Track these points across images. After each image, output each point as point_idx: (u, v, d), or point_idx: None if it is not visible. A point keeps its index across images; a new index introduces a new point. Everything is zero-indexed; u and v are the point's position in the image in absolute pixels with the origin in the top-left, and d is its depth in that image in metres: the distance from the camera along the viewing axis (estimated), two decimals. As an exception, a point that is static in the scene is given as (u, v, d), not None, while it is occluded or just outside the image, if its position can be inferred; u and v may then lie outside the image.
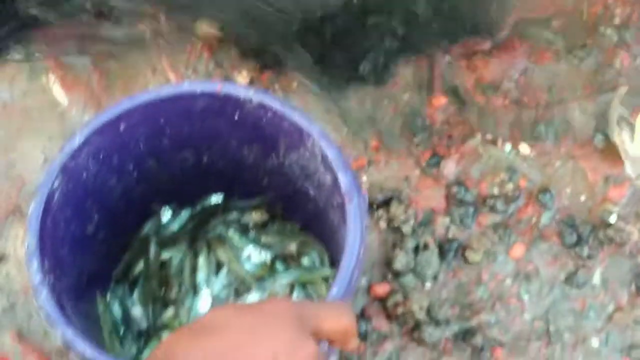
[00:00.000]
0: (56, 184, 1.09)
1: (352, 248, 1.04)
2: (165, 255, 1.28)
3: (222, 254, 1.28)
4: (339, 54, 1.54)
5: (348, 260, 1.04)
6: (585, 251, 1.41)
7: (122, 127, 1.15)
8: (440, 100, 1.55)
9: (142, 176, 1.25)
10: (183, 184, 1.30)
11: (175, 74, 1.56)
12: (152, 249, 1.28)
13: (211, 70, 1.56)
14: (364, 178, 1.48)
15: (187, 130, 1.22)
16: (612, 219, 1.43)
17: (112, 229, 1.25)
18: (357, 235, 1.05)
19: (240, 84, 1.51)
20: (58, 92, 1.55)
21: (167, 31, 1.58)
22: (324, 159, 1.12)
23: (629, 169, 1.47)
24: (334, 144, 1.11)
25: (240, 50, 1.55)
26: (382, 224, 1.44)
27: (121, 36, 1.59)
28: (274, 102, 1.14)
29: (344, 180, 1.08)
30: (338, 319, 0.81)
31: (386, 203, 1.46)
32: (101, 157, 1.16)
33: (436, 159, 1.50)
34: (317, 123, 1.13)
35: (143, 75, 1.57)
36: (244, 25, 1.52)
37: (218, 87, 1.15)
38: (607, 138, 1.50)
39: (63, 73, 1.56)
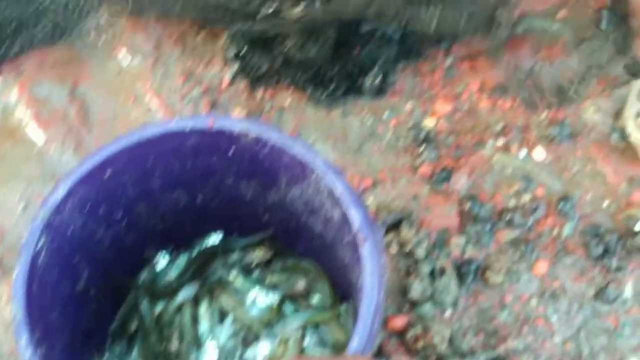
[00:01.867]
0: (40, 243, 1.04)
1: (371, 295, 0.99)
2: (160, 307, 1.23)
3: (226, 300, 1.23)
4: (335, 65, 1.48)
5: (367, 308, 0.99)
6: (614, 263, 1.36)
7: (107, 173, 1.10)
8: (445, 107, 1.50)
9: (132, 222, 1.20)
10: (177, 226, 1.25)
11: (159, 100, 1.50)
12: (144, 305, 1.22)
13: (197, 96, 1.50)
14: (370, 199, 1.43)
15: (178, 169, 1.16)
16: (639, 226, 1.38)
17: (104, 283, 1.19)
18: (375, 280, 1.00)
19: (235, 117, 1.45)
20: (33, 129, 1.49)
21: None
22: (331, 194, 1.07)
23: (652, 169, 1.42)
24: (342, 177, 1.06)
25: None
26: (393, 249, 1.39)
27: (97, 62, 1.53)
28: (272, 135, 1.09)
29: (355, 217, 1.03)
30: None
31: (396, 226, 1.41)
32: (87, 208, 1.11)
33: (445, 173, 1.45)
34: (320, 154, 1.08)
35: (123, 104, 1.50)
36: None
37: (210, 122, 1.10)
38: (626, 136, 1.45)
39: (37, 108, 1.50)
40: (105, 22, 1.54)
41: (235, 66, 1.51)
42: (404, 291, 1.35)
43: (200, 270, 1.26)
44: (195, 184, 1.19)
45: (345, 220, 1.05)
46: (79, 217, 1.10)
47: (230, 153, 1.13)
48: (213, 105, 1.50)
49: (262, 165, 1.13)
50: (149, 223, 1.21)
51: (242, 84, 1.52)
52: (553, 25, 1.54)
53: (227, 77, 1.52)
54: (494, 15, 1.52)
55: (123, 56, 1.54)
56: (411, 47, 1.53)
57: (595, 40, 1.51)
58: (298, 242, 1.26)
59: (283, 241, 1.28)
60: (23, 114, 1.51)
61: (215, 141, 1.11)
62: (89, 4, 1.53)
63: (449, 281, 1.35)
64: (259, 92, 1.52)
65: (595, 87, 1.50)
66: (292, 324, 1.21)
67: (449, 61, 1.53)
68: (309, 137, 1.49)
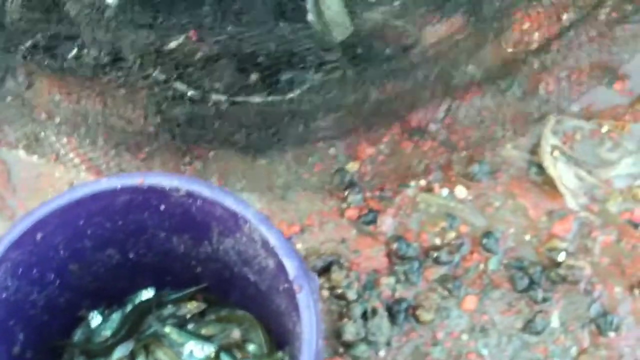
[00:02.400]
0: (-26, 311, 1.04)
1: (310, 343, 1.02)
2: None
3: (162, 355, 1.24)
4: (256, 116, 1.51)
5: (307, 356, 1.00)
6: (540, 294, 1.41)
7: (39, 236, 1.11)
8: (368, 150, 1.53)
9: (65, 283, 1.20)
10: (110, 283, 1.26)
11: (82, 157, 1.50)
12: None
13: (120, 151, 1.51)
14: (299, 244, 1.45)
15: (109, 228, 1.17)
16: (562, 257, 1.44)
17: (40, 344, 1.20)
18: (314, 327, 1.02)
19: (165, 173, 1.46)
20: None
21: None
22: (265, 244, 1.09)
23: (570, 201, 1.48)
24: (275, 228, 1.08)
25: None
26: (325, 293, 1.42)
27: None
28: (203, 189, 1.11)
29: (290, 266, 1.05)
30: None
31: (326, 269, 1.43)
32: (19, 272, 1.11)
33: (372, 215, 1.48)
34: (251, 206, 1.10)
35: (45, 163, 1.51)
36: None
37: (140, 179, 1.11)
38: (544, 170, 1.50)
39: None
40: (24, 83, 1.54)
41: (158, 119, 1.53)
42: (337, 334, 1.37)
43: (135, 326, 1.26)
44: (127, 240, 1.20)
45: (280, 269, 1.07)
46: (12, 282, 1.10)
47: (161, 208, 1.14)
48: (137, 159, 1.51)
49: (194, 219, 1.14)
50: (82, 282, 1.22)
51: (165, 137, 1.53)
52: (467, 66, 1.59)
53: (151, 130, 1.53)
54: (409, 59, 1.57)
55: (44, 116, 1.54)
56: (333, 95, 1.56)
57: (508, 80, 1.57)
58: (232, 291, 1.28)
59: (217, 291, 1.30)
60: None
61: (147, 198, 1.13)
62: (5, 67, 1.52)
63: (381, 321, 1.38)
64: (183, 145, 1.53)
65: (511, 124, 1.55)
66: (231, 374, 1.23)
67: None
68: (235, 186, 1.51)
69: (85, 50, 1.43)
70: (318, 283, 1.32)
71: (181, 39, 1.38)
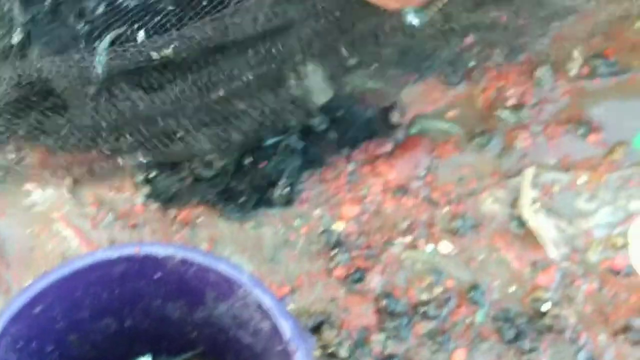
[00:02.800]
0: (-23, 385, 1.06)
1: (309, 401, 1.04)
2: None
3: (162, 420, 1.26)
4: (243, 179, 1.55)
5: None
6: (527, 344, 1.44)
7: (38, 309, 1.13)
8: (352, 210, 1.57)
9: (64, 353, 1.23)
10: (108, 351, 1.28)
11: (74, 229, 1.53)
12: None
13: (110, 222, 1.54)
14: (290, 305, 1.48)
15: (106, 297, 1.20)
16: (546, 307, 1.47)
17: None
18: (312, 386, 1.04)
19: (159, 242, 1.50)
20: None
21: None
22: (260, 307, 1.12)
23: (551, 252, 1.52)
24: (268, 290, 1.11)
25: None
26: (317, 352, 1.44)
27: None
28: (197, 256, 1.14)
29: (285, 328, 1.09)
30: None
31: (317, 329, 1.46)
32: (19, 345, 1.13)
33: (359, 274, 1.51)
34: (245, 270, 1.14)
35: (38, 236, 1.54)
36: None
37: (136, 249, 1.14)
38: (524, 223, 1.55)
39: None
40: (14, 159, 1.58)
41: (146, 190, 1.56)
42: (332, 392, 1.40)
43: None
44: (124, 309, 1.23)
45: (275, 331, 1.10)
46: (11, 355, 1.12)
47: (157, 276, 1.17)
48: (127, 229, 1.54)
49: (188, 285, 1.17)
50: (81, 351, 1.24)
51: (154, 206, 1.57)
52: (444, 125, 1.64)
53: (139, 200, 1.56)
54: (388, 120, 1.62)
55: (34, 189, 1.57)
56: (314, 157, 1.60)
57: (485, 136, 1.61)
58: (228, 354, 1.30)
59: (213, 355, 1.32)
60: None
61: (142, 267, 1.16)
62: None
63: (374, 378, 1.41)
64: (172, 212, 1.57)
65: (490, 179, 1.59)
66: None
67: (351, 167, 1.61)
68: (224, 251, 1.54)
69: (73, 126, 1.47)
70: (314, 342, 1.35)
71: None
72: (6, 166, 1.58)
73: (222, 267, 1.13)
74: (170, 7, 1.39)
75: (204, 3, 1.37)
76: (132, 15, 1.39)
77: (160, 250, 1.14)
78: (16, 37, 1.47)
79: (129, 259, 1.14)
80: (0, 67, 1.47)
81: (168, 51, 1.36)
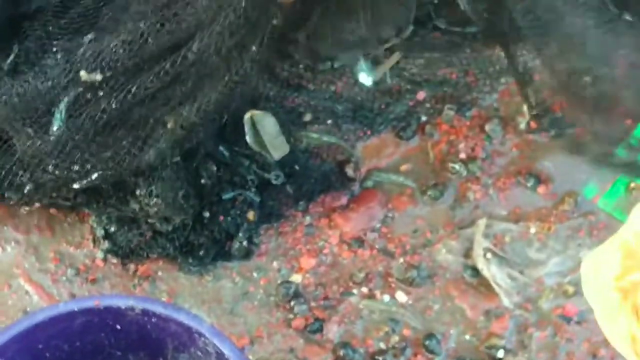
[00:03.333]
0: None
1: None
2: None
3: None
4: (201, 233, 1.57)
5: None
6: (483, 391, 1.47)
7: (-3, 363, 1.14)
8: (310, 262, 1.60)
9: (25, 407, 1.22)
10: (68, 404, 1.28)
11: (34, 284, 1.55)
12: None
13: (71, 276, 1.56)
14: (250, 357, 1.50)
15: (67, 350, 1.22)
16: (501, 354, 1.51)
17: None
18: None
19: (119, 294, 1.51)
20: None
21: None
22: (220, 355, 1.14)
23: (505, 301, 1.56)
24: (228, 340, 1.14)
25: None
26: (277, 402, 1.46)
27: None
28: (157, 307, 1.16)
29: (245, 376, 1.10)
30: None
31: (276, 379, 1.48)
32: (-22, 400, 1.13)
33: (318, 324, 1.54)
34: (205, 320, 1.15)
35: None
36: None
37: (96, 302, 1.16)
38: (478, 272, 1.58)
39: None
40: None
41: (106, 244, 1.58)
42: None
43: None
44: (85, 361, 1.24)
45: (235, 379, 1.12)
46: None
47: (117, 327, 1.19)
48: (88, 283, 1.56)
49: (149, 336, 1.19)
50: (42, 405, 1.25)
51: (114, 260, 1.58)
52: (398, 178, 1.68)
53: (99, 255, 1.58)
54: (343, 173, 1.66)
55: (-5, 247, 1.59)
56: (271, 210, 1.63)
57: (438, 189, 1.66)
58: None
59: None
60: None
61: (103, 318, 1.18)
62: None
63: None
64: (132, 266, 1.58)
65: (444, 230, 1.63)
66: None
67: (307, 219, 1.64)
68: (185, 304, 1.56)
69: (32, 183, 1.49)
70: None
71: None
72: (-34, 223, 1.59)
73: (183, 317, 1.15)
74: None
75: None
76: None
77: (120, 302, 1.16)
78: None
79: (89, 311, 1.16)
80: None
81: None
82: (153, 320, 1.17)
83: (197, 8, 1.38)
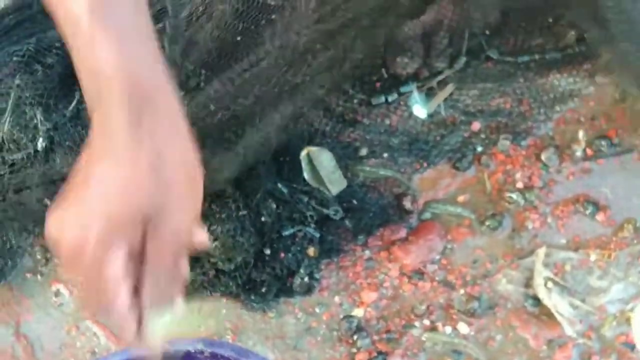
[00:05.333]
0: None
1: None
2: None
3: None
4: (263, 271, 1.59)
5: None
6: (549, 422, 1.47)
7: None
8: (371, 296, 1.61)
9: None
10: None
11: (101, 325, 1.58)
12: None
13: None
14: (314, 393, 1.52)
15: (139, 394, 1.23)
16: (565, 383, 1.50)
17: None
18: None
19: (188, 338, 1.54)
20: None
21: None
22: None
23: (567, 329, 1.55)
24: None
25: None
26: None
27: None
28: (226, 350, 1.18)
29: (315, 417, 1.11)
30: None
31: (342, 415, 1.49)
32: None
33: (381, 358, 1.55)
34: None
35: (67, 334, 1.58)
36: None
37: (167, 345, 1.18)
38: (539, 301, 1.58)
39: (-15, 350, 1.56)
40: (40, 261, 1.63)
41: (170, 283, 1.60)
42: None
43: None
44: (156, 404, 1.26)
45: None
46: None
47: (188, 371, 1.21)
48: (154, 323, 1.58)
49: (219, 378, 1.21)
50: None
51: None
52: (456, 209, 1.69)
53: (164, 294, 1.60)
54: (401, 206, 1.67)
55: (61, 289, 1.61)
56: (331, 245, 1.65)
57: (496, 219, 1.66)
58: None
59: None
60: (-29, 357, 1.57)
61: (173, 362, 1.20)
62: (22, 247, 1.62)
63: None
64: (196, 305, 1.60)
65: (503, 260, 1.64)
66: None
67: (367, 253, 1.65)
68: (249, 341, 1.58)
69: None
70: None
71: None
72: (34, 268, 1.63)
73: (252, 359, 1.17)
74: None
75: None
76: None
77: (189, 345, 1.18)
78: (40, 144, 1.53)
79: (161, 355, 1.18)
80: (26, 173, 1.53)
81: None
82: (222, 362, 1.18)
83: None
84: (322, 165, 1.64)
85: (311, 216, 1.63)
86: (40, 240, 1.62)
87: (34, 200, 1.54)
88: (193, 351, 1.18)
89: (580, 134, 1.69)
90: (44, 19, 1.59)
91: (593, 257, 1.62)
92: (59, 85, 1.56)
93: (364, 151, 1.71)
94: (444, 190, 1.70)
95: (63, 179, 1.50)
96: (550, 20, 1.69)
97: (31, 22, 1.62)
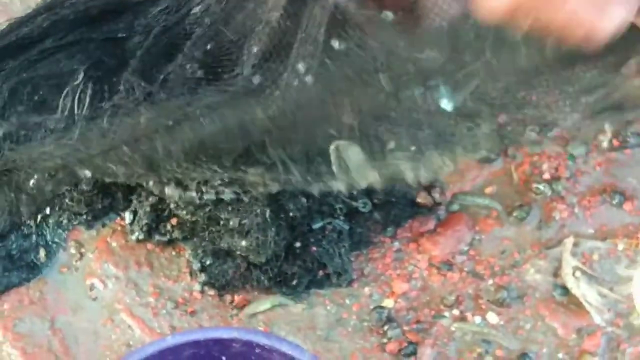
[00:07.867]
0: None
1: None
2: None
3: None
4: (294, 263, 1.61)
5: None
6: (579, 409, 1.48)
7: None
8: (401, 287, 1.63)
9: None
10: None
11: (136, 318, 1.60)
12: None
13: (170, 309, 1.61)
14: (345, 382, 1.54)
15: (175, 382, 1.25)
16: (594, 371, 1.52)
17: None
18: None
19: (224, 327, 1.56)
20: (19, 369, 1.58)
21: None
22: (320, 383, 1.17)
23: (596, 318, 1.57)
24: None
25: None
26: None
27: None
28: (260, 338, 1.20)
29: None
30: None
31: (373, 404, 1.51)
32: None
33: (411, 348, 1.56)
34: (306, 350, 1.19)
35: (102, 327, 1.60)
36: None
37: (202, 333, 1.20)
38: (568, 290, 1.59)
39: (23, 344, 1.58)
40: (75, 255, 1.66)
41: (203, 277, 1.63)
42: None
43: None
44: (192, 392, 1.29)
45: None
46: None
47: (223, 359, 1.23)
48: (187, 316, 1.61)
49: (253, 366, 1.24)
50: None
51: (211, 292, 1.63)
52: (484, 200, 1.70)
53: (197, 288, 1.63)
54: (429, 198, 1.69)
55: (96, 283, 1.64)
56: (360, 237, 1.67)
57: (524, 209, 1.67)
58: None
59: None
60: (10, 352, 1.58)
61: (209, 350, 1.22)
62: (57, 242, 1.65)
63: None
64: (228, 297, 1.63)
65: (531, 250, 1.65)
66: None
67: (396, 245, 1.67)
68: (281, 332, 1.60)
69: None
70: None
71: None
72: (69, 262, 1.66)
73: (285, 348, 1.19)
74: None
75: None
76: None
77: (225, 334, 1.21)
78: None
79: (196, 344, 1.21)
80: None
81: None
82: (257, 351, 1.21)
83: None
84: (350, 158, 1.65)
85: (340, 209, 1.65)
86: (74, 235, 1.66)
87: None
88: (228, 339, 1.20)
89: (607, 124, 1.70)
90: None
91: (620, 246, 1.63)
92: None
93: (391, 144, 1.72)
94: (472, 182, 1.72)
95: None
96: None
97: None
